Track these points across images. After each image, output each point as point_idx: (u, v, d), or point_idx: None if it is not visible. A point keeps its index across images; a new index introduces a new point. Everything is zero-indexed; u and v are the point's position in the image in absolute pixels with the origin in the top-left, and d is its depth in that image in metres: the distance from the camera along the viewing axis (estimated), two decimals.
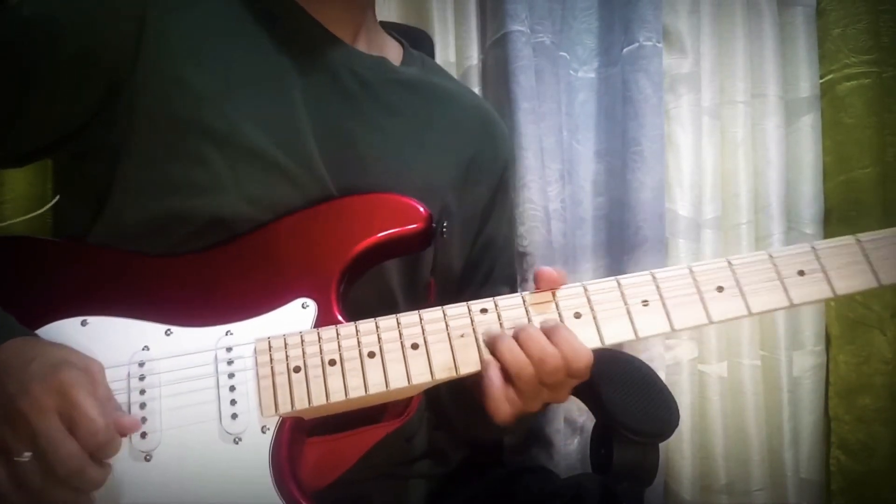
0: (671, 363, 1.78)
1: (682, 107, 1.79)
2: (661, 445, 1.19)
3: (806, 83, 1.88)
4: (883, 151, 1.86)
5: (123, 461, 0.85)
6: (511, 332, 0.92)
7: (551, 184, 1.69)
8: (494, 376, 0.91)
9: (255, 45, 1.05)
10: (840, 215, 1.88)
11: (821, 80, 1.89)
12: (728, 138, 1.85)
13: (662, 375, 1.67)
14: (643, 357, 1.57)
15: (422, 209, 1.02)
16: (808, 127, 1.88)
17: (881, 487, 1.89)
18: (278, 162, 1.01)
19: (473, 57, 1.71)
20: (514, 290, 1.30)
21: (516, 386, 0.91)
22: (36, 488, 0.78)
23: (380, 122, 1.12)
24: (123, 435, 0.84)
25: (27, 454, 0.77)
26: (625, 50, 1.73)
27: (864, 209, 1.85)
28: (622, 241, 1.75)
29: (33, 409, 0.78)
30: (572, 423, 1.72)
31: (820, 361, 1.92)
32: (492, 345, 0.91)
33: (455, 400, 1.18)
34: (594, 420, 1.24)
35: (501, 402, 0.91)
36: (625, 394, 1.17)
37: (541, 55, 1.69)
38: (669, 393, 1.22)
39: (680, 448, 1.78)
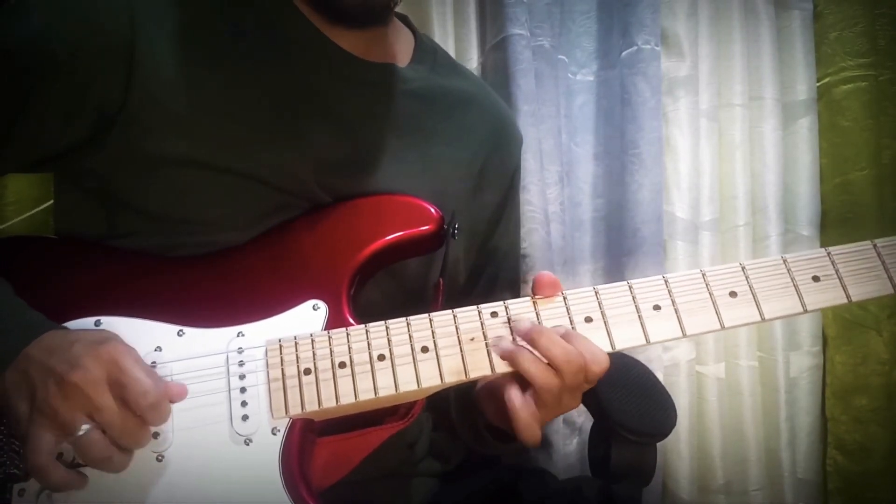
0: (669, 364, 1.78)
1: (679, 110, 1.80)
2: (659, 445, 1.19)
3: (803, 86, 1.88)
4: (879, 154, 1.87)
5: (135, 461, 0.86)
6: (524, 338, 0.92)
7: (550, 186, 1.69)
8: (517, 398, 0.91)
9: (253, 64, 1.03)
10: (837, 217, 1.89)
11: (818, 84, 1.89)
12: (726, 141, 1.86)
13: (660, 376, 1.68)
14: (641, 358, 1.57)
15: (433, 210, 1.03)
16: (805, 130, 1.89)
17: (878, 487, 1.90)
18: (278, 189, 1.02)
19: (473, 60, 1.71)
20: (516, 295, 1.30)
21: (540, 397, 0.90)
22: (100, 458, 0.81)
23: (386, 141, 1.11)
24: (171, 402, 0.87)
25: (86, 427, 0.80)
26: (623, 53, 1.74)
27: (861, 211, 1.86)
28: (620, 243, 1.75)
29: (87, 382, 0.80)
30: (571, 423, 1.72)
31: (817, 362, 1.92)
32: (512, 360, 0.91)
33: (463, 421, 1.19)
34: (592, 420, 1.25)
35: (531, 424, 0.91)
36: (623, 394, 1.18)
37: (540, 58, 1.69)
38: (667, 393, 1.23)
39: (678, 448, 1.79)
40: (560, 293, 0.96)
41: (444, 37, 1.70)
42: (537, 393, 0.90)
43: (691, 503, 1.80)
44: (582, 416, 1.72)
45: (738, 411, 1.87)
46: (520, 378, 0.92)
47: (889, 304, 1.88)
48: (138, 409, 0.82)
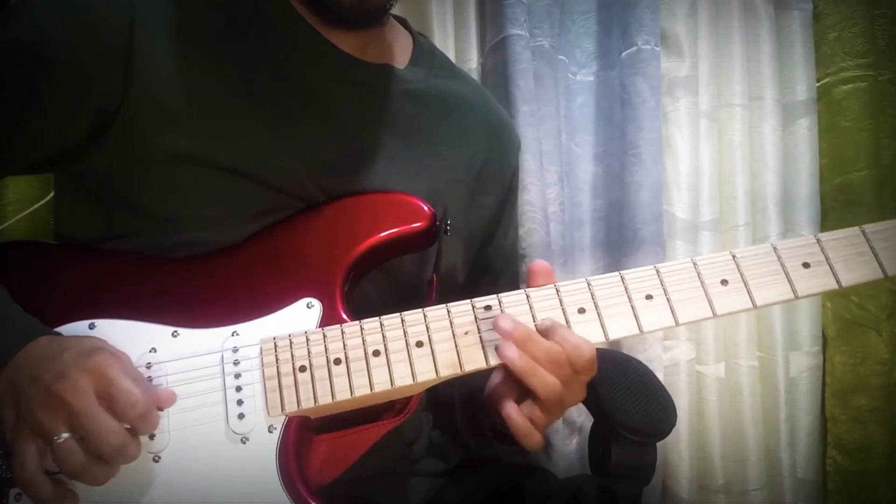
0: (669, 364, 1.78)
1: (679, 110, 1.80)
2: (659, 445, 1.19)
3: (802, 86, 1.88)
4: (878, 154, 1.87)
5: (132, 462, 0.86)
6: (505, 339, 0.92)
7: (550, 186, 1.69)
8: (513, 410, 0.92)
9: (250, 63, 1.04)
10: (836, 217, 1.88)
11: (817, 84, 1.89)
12: (725, 141, 1.86)
13: (660, 376, 1.67)
14: (641, 358, 1.58)
15: (425, 207, 1.04)
16: (805, 130, 1.88)
17: (877, 487, 1.90)
18: (275, 188, 1.02)
19: (473, 60, 1.71)
20: None
21: (543, 404, 0.91)
22: (75, 468, 0.80)
23: (382, 141, 1.12)
24: (160, 408, 0.87)
25: (64, 435, 0.79)
26: (623, 53, 1.74)
27: (860, 211, 1.85)
28: (620, 243, 1.75)
29: (72, 392, 0.80)
30: (571, 423, 1.72)
31: (816, 362, 1.92)
32: (516, 372, 0.91)
33: (470, 425, 1.20)
34: (592, 420, 1.25)
35: (530, 432, 0.92)
36: (623, 394, 1.18)
37: (540, 59, 1.69)
38: (667, 393, 1.23)
39: (677, 448, 1.79)
40: (553, 284, 0.96)
41: (444, 37, 1.71)
42: (540, 401, 0.91)
43: (691, 503, 1.79)
44: (582, 416, 1.72)
45: (737, 411, 1.86)
46: (515, 385, 0.93)
47: (888, 304, 1.88)
48: (128, 420, 0.82)
